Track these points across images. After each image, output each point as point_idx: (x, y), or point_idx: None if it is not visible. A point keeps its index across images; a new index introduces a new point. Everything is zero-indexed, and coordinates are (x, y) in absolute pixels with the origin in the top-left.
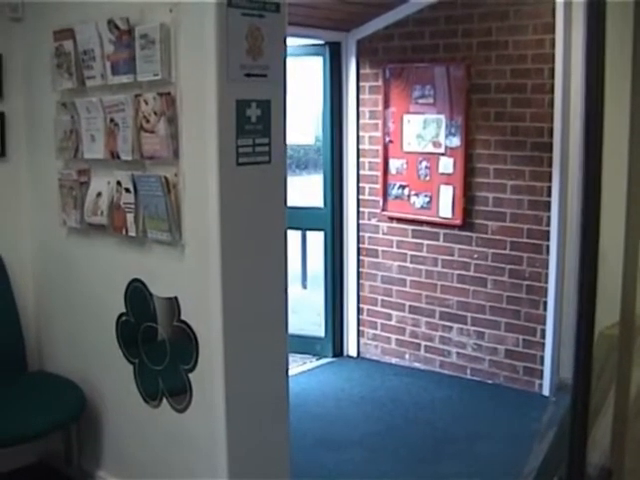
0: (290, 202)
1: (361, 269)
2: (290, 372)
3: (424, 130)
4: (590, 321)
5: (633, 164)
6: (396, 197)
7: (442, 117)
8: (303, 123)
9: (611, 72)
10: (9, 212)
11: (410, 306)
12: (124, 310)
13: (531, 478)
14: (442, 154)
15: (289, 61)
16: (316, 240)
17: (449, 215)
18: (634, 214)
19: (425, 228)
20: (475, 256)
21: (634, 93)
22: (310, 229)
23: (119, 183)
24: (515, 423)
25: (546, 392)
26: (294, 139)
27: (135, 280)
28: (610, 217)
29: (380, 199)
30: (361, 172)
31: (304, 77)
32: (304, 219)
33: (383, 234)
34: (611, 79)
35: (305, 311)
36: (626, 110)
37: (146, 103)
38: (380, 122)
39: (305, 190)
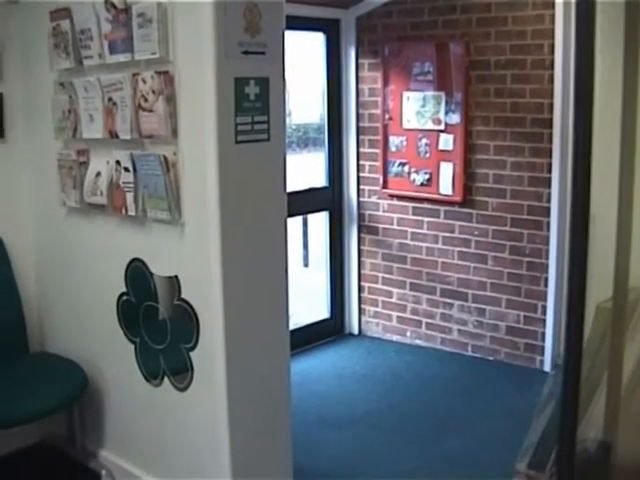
0: (293, 186)
1: (362, 247)
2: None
3: (423, 107)
4: (581, 295)
5: (625, 146)
6: (396, 174)
7: (441, 94)
8: (307, 101)
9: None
10: (9, 194)
11: (411, 283)
12: (125, 290)
13: (530, 453)
14: (442, 131)
15: (289, 34)
16: (319, 219)
17: (449, 192)
18: (627, 187)
19: (425, 205)
20: (475, 233)
21: (625, 77)
22: (314, 211)
23: (118, 162)
24: (517, 399)
25: (547, 368)
26: (299, 118)
27: (135, 259)
28: (604, 190)
29: (380, 177)
30: (361, 150)
31: (306, 53)
32: (308, 202)
33: (383, 212)
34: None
35: (307, 293)
36: (618, 87)
37: (144, 82)
38: (379, 99)
39: (306, 169)
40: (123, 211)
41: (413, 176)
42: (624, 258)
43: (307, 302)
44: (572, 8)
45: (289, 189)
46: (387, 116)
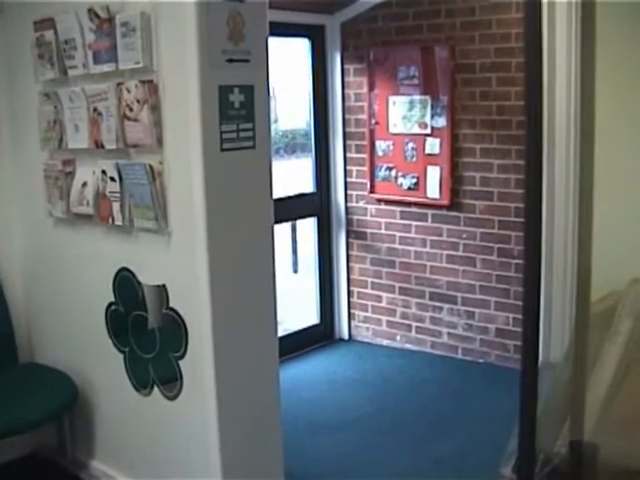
0: (281, 191)
1: (350, 252)
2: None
3: (410, 111)
4: (535, 301)
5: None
6: (383, 179)
7: (427, 98)
8: (294, 107)
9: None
10: None
11: (400, 287)
12: (113, 299)
13: (514, 456)
14: (428, 135)
15: (274, 41)
16: (307, 225)
17: (437, 196)
18: (586, 204)
19: (413, 209)
20: (464, 236)
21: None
22: (302, 217)
23: (104, 172)
24: (507, 401)
25: None
26: (286, 124)
27: (123, 269)
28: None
29: (367, 181)
30: (348, 155)
31: (291, 59)
32: (296, 208)
33: (371, 216)
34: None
35: (296, 299)
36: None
37: (129, 91)
38: (365, 104)
39: (294, 175)
40: (110, 221)
41: (400, 180)
42: (586, 276)
43: (297, 308)
44: (556, 10)
45: (277, 195)
46: (373, 121)
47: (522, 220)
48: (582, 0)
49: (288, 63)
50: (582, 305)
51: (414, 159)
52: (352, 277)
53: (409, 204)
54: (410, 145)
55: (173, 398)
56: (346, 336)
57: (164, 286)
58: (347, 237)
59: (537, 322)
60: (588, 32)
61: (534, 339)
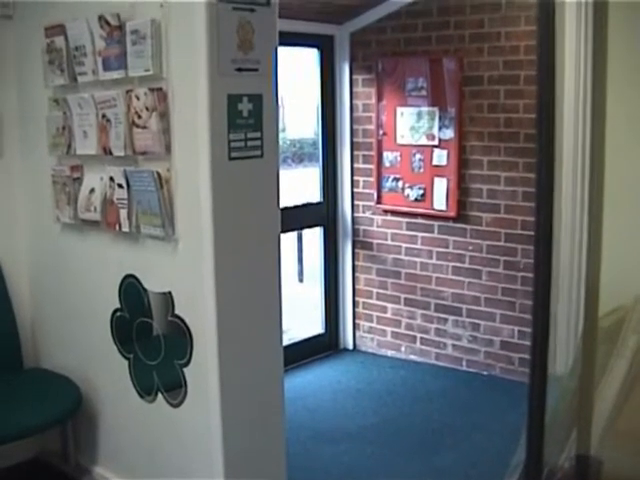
0: (287, 201)
1: (356, 262)
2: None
3: (417, 123)
4: (545, 313)
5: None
6: (390, 190)
7: (435, 109)
8: (302, 116)
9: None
10: (3, 209)
11: (405, 298)
12: (119, 306)
13: (519, 470)
14: (436, 146)
15: (283, 51)
16: (313, 235)
17: (443, 207)
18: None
19: (419, 220)
20: (470, 248)
21: (595, 80)
22: (309, 226)
23: (112, 179)
24: (511, 414)
25: None
26: (294, 133)
27: (129, 275)
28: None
29: (374, 192)
30: (355, 165)
31: (300, 69)
32: (303, 217)
33: (377, 227)
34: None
35: (301, 308)
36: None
37: (138, 99)
38: (374, 115)
39: (302, 184)
40: (117, 227)
41: (407, 191)
42: (594, 291)
43: (302, 317)
44: (566, 23)
45: (284, 204)
46: (381, 132)
47: (529, 233)
48: (594, 0)
49: (297, 73)
50: (590, 319)
51: (421, 170)
52: (357, 287)
53: (415, 215)
54: (417, 156)
55: (177, 405)
56: (351, 346)
57: (170, 293)
58: (353, 247)
59: (547, 335)
60: (599, 34)
61: (543, 352)
